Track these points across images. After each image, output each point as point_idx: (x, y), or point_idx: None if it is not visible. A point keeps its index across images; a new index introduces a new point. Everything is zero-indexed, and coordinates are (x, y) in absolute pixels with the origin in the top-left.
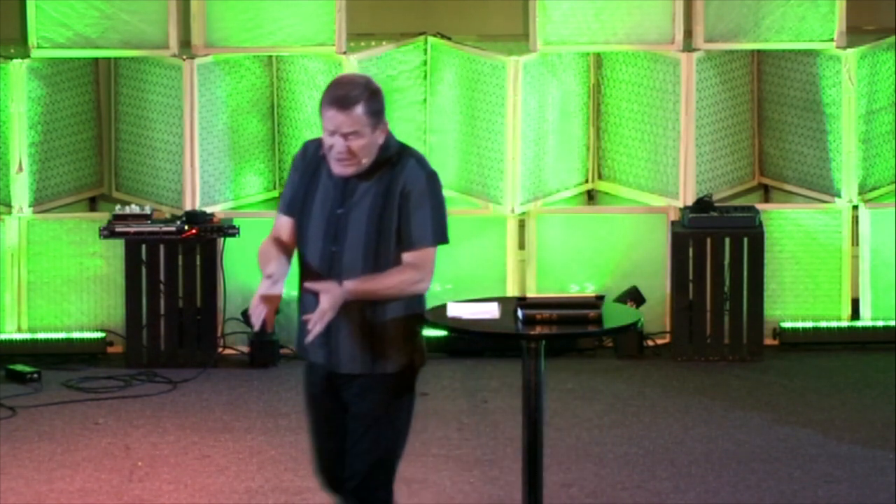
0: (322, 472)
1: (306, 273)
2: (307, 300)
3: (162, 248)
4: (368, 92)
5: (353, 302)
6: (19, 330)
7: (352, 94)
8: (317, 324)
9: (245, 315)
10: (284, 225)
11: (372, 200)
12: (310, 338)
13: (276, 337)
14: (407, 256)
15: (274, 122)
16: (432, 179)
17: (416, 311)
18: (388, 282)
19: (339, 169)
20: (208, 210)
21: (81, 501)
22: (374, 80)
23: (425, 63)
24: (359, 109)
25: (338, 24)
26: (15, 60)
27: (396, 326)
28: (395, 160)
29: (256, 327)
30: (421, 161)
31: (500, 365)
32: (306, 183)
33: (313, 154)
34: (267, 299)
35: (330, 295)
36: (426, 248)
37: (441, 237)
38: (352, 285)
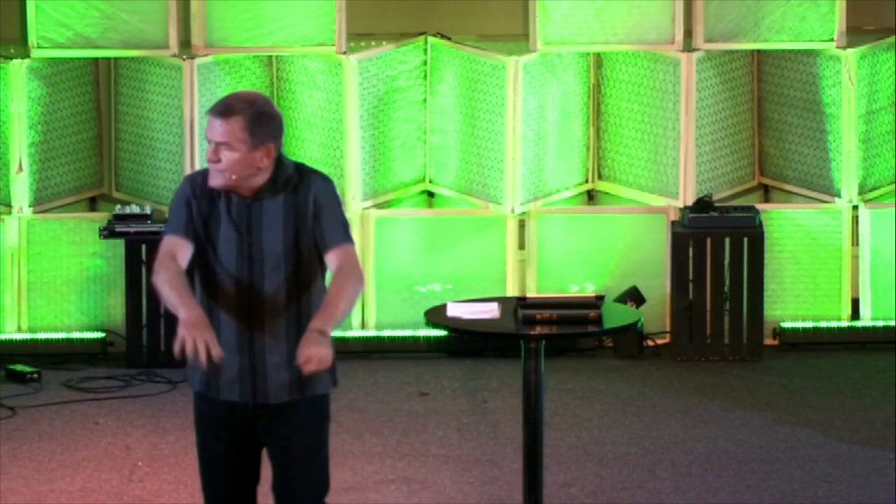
0: None
1: (213, 302)
2: (223, 337)
3: None
4: (253, 110)
5: (278, 331)
6: (19, 330)
7: (236, 106)
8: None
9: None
10: (180, 246)
11: (284, 221)
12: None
13: None
14: (335, 256)
15: None
16: (335, 188)
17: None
18: (345, 298)
19: (210, 180)
20: None
21: (81, 501)
22: (273, 106)
23: (425, 63)
24: (236, 122)
25: (338, 24)
26: (15, 60)
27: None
28: (297, 179)
29: (203, 360)
30: (322, 174)
31: (500, 365)
32: (204, 212)
33: (201, 185)
34: (204, 323)
35: (317, 347)
36: (349, 244)
37: (350, 235)
38: (321, 325)
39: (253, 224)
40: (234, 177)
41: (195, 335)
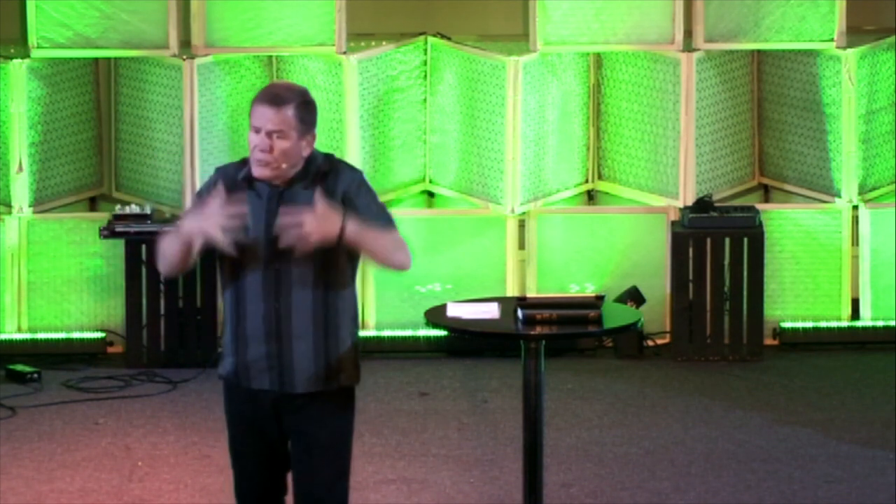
0: (258, 500)
1: (243, 295)
2: (251, 325)
3: None
4: (302, 99)
5: (306, 319)
6: (19, 330)
7: (285, 94)
8: (297, 222)
9: None
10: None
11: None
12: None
13: None
14: None
15: None
16: (365, 178)
17: (357, 324)
18: (384, 237)
19: (258, 171)
20: None
21: (81, 501)
22: (310, 94)
23: (425, 63)
24: (289, 111)
25: (338, 24)
26: (15, 60)
27: (347, 339)
28: (327, 169)
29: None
30: (350, 165)
31: (500, 365)
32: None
33: (233, 176)
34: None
35: (326, 211)
36: (392, 230)
37: (393, 221)
38: (352, 221)
39: (278, 213)
40: (284, 165)
41: (212, 206)
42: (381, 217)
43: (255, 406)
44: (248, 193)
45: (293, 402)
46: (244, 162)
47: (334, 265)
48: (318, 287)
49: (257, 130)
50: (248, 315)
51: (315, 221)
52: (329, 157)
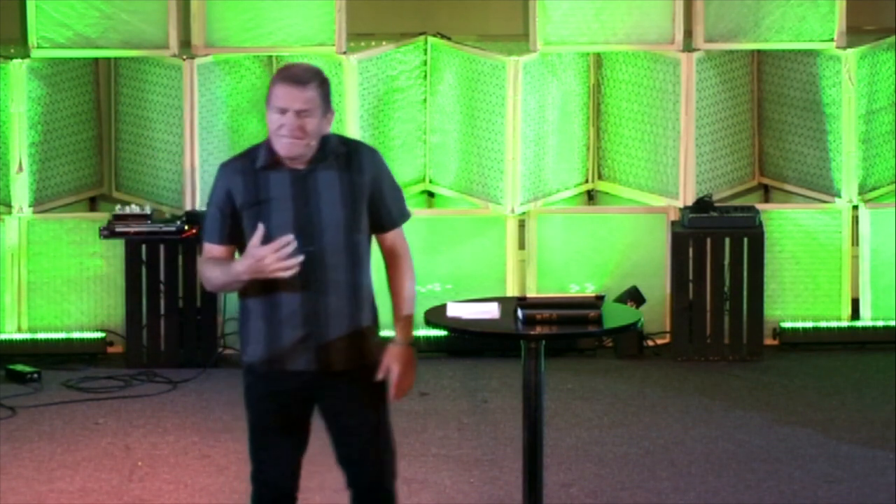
0: (274, 488)
1: (274, 281)
2: (286, 310)
3: (162, 248)
4: (321, 78)
5: (340, 299)
6: (19, 330)
7: (306, 74)
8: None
9: None
10: (218, 253)
11: (340, 191)
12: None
13: None
14: (391, 238)
15: None
16: (382, 157)
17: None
18: (411, 295)
19: (288, 149)
20: None
21: (81, 501)
22: (324, 73)
23: (425, 63)
24: (312, 89)
25: (338, 24)
26: (15, 60)
27: (373, 317)
28: (344, 150)
29: (291, 266)
30: (368, 146)
31: (500, 365)
32: (252, 193)
33: (244, 168)
34: (257, 249)
35: (403, 359)
36: (400, 226)
37: (406, 207)
38: (407, 337)
39: (310, 195)
40: (311, 143)
41: (269, 261)
42: (399, 204)
43: (287, 388)
44: (270, 179)
45: (330, 381)
46: (250, 152)
47: (358, 245)
48: (347, 267)
49: (283, 111)
50: (282, 300)
51: (407, 374)
52: (341, 137)
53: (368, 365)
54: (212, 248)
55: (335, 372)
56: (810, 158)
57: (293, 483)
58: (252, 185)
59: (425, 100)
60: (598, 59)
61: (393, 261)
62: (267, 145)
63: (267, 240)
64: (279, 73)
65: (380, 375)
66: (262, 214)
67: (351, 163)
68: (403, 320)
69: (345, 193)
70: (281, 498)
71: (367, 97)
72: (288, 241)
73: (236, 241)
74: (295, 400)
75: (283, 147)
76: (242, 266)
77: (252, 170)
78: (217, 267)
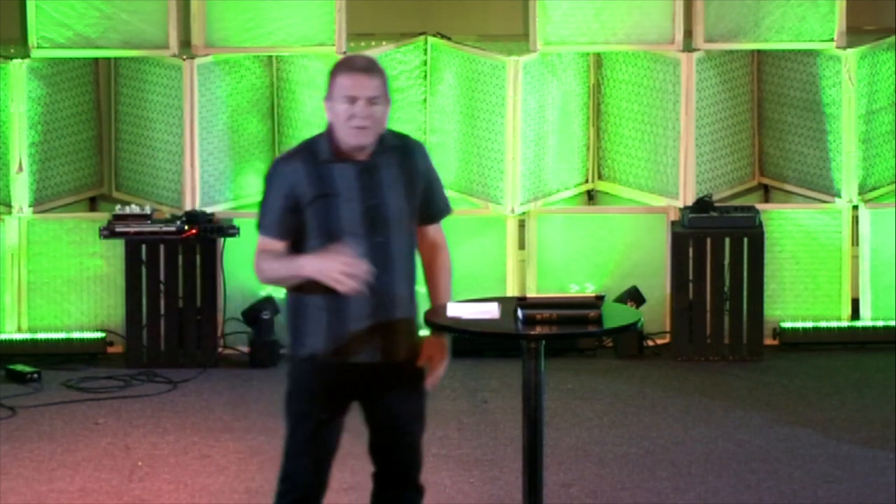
0: (308, 487)
1: None
2: (355, 300)
3: (162, 248)
4: (381, 67)
5: (403, 290)
6: (19, 330)
7: (371, 64)
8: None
9: (250, 314)
10: (274, 247)
11: (402, 184)
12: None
13: (275, 337)
14: (433, 232)
15: (274, 122)
16: (429, 153)
17: None
18: (449, 287)
19: (359, 138)
20: (208, 210)
21: (81, 501)
22: None
23: (425, 63)
24: (379, 78)
25: (338, 24)
26: (15, 60)
27: (416, 307)
28: (398, 142)
29: (358, 284)
30: (417, 140)
31: (500, 365)
32: (316, 188)
33: (309, 160)
34: (332, 254)
35: (442, 349)
36: (443, 219)
37: (451, 207)
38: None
39: (376, 187)
40: (381, 130)
41: (339, 268)
42: (444, 197)
43: (346, 381)
44: (335, 172)
45: (387, 372)
46: (307, 146)
47: (414, 236)
48: (408, 258)
49: (353, 99)
50: (344, 295)
51: (444, 364)
52: (391, 130)
53: (416, 356)
54: (270, 242)
55: (394, 363)
56: (810, 158)
57: (327, 481)
58: (316, 178)
59: (425, 100)
60: (598, 59)
61: (435, 252)
62: (328, 138)
63: (337, 230)
64: (341, 64)
65: (420, 363)
66: (330, 207)
67: (406, 155)
68: (442, 303)
69: (405, 185)
70: (311, 498)
71: None
72: (368, 270)
73: (295, 235)
74: (350, 393)
75: (353, 136)
76: (311, 266)
77: (314, 163)
78: (276, 260)
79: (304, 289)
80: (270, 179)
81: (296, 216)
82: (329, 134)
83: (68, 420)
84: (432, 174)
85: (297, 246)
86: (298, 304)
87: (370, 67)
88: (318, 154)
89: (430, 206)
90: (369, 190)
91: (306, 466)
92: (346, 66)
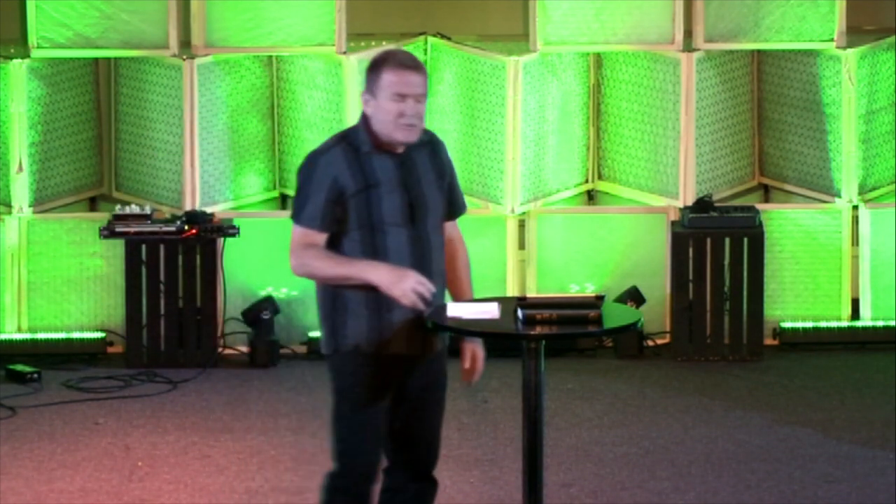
0: (367, 478)
1: (383, 259)
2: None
3: (162, 248)
4: (424, 65)
5: (438, 282)
6: (19, 330)
7: (416, 59)
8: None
9: (250, 314)
10: (315, 238)
11: (434, 177)
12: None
13: (275, 337)
14: (452, 228)
15: (274, 122)
16: None
17: None
18: (469, 280)
19: (407, 136)
20: (208, 210)
21: (81, 501)
22: None
23: (425, 63)
24: (424, 74)
25: (338, 24)
26: (15, 60)
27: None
28: (427, 136)
29: (424, 304)
30: (434, 133)
31: (500, 365)
32: (359, 180)
33: (349, 152)
34: (403, 271)
35: (481, 346)
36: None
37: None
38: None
39: (414, 179)
40: (423, 126)
41: (413, 285)
42: (462, 194)
43: (389, 372)
44: (375, 163)
45: (423, 364)
46: (346, 138)
47: (442, 227)
48: (440, 250)
49: (403, 97)
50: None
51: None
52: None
53: (444, 349)
54: (313, 235)
55: (429, 355)
56: (810, 158)
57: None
58: (359, 170)
59: None
60: (598, 59)
61: (455, 248)
62: (366, 130)
63: (379, 222)
64: (387, 59)
65: (466, 365)
66: (372, 199)
67: (435, 150)
68: (469, 299)
69: (436, 179)
70: (369, 485)
71: None
72: (433, 291)
73: (337, 227)
74: (392, 384)
75: (403, 134)
76: (378, 275)
77: (356, 155)
78: (327, 258)
79: (346, 285)
80: (309, 172)
81: (338, 208)
82: (367, 126)
83: (68, 420)
84: (454, 170)
85: (335, 238)
86: (337, 298)
87: (418, 64)
88: (359, 146)
89: (453, 202)
90: (409, 182)
91: (371, 451)
92: (393, 61)
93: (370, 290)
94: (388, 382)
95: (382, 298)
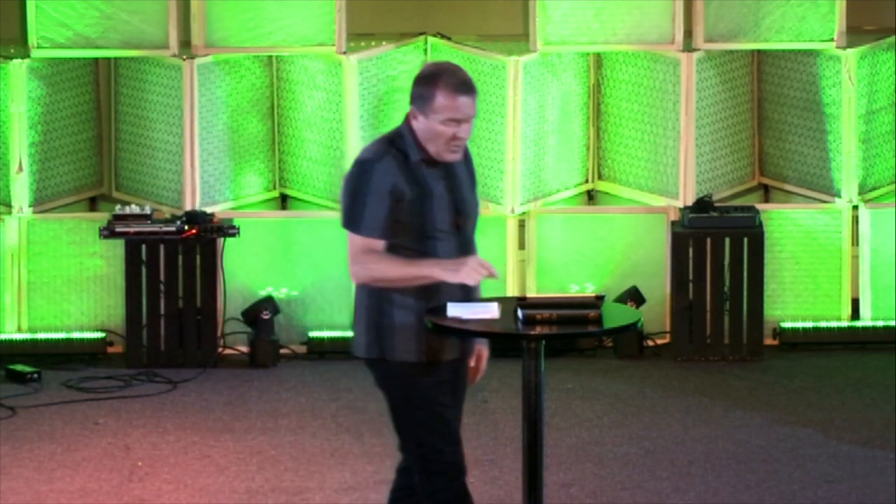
0: (464, 461)
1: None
2: (446, 298)
3: (162, 248)
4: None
5: (478, 288)
6: (19, 330)
7: (472, 81)
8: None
9: (250, 314)
10: (377, 247)
11: (470, 183)
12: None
13: (275, 337)
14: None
15: (274, 122)
16: None
17: None
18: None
19: (455, 156)
20: (208, 210)
21: (81, 501)
22: None
23: (425, 63)
24: (476, 94)
25: (338, 24)
26: (15, 60)
27: None
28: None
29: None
30: None
31: (500, 365)
32: (415, 189)
33: (399, 159)
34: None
35: (487, 347)
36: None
37: None
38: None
39: (457, 187)
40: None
41: (475, 266)
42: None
43: (444, 375)
44: (425, 172)
45: (460, 367)
46: (394, 146)
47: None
48: (475, 254)
49: (460, 121)
50: (442, 289)
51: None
52: None
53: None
54: (375, 243)
55: (463, 359)
56: (810, 158)
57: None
58: (412, 179)
59: None
60: (598, 59)
61: (471, 252)
62: (411, 140)
63: (431, 229)
64: (443, 79)
65: (471, 364)
66: (426, 207)
67: (467, 159)
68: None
69: (472, 184)
70: (465, 477)
71: (368, 97)
72: (493, 273)
73: (395, 233)
74: (450, 385)
75: (452, 154)
76: (444, 268)
77: (407, 164)
78: (390, 262)
79: (397, 290)
80: (366, 179)
81: (397, 215)
82: (413, 136)
83: (68, 420)
84: (475, 180)
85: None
86: (383, 306)
87: (471, 87)
88: (408, 153)
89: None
90: (454, 190)
91: (458, 445)
92: (448, 84)
93: (419, 297)
94: (445, 384)
95: (436, 299)
